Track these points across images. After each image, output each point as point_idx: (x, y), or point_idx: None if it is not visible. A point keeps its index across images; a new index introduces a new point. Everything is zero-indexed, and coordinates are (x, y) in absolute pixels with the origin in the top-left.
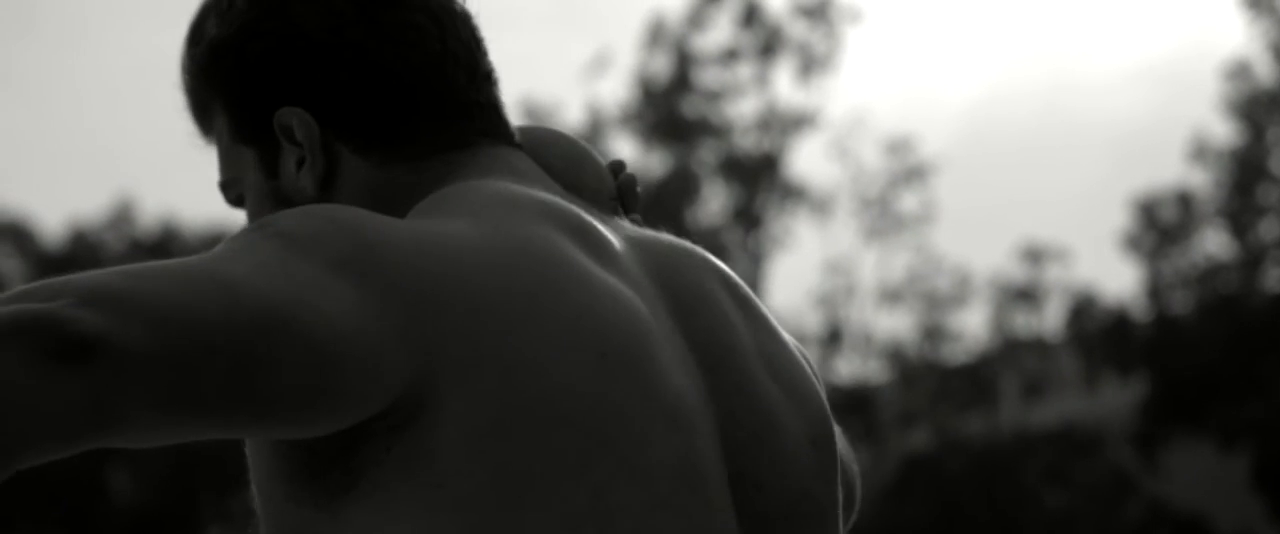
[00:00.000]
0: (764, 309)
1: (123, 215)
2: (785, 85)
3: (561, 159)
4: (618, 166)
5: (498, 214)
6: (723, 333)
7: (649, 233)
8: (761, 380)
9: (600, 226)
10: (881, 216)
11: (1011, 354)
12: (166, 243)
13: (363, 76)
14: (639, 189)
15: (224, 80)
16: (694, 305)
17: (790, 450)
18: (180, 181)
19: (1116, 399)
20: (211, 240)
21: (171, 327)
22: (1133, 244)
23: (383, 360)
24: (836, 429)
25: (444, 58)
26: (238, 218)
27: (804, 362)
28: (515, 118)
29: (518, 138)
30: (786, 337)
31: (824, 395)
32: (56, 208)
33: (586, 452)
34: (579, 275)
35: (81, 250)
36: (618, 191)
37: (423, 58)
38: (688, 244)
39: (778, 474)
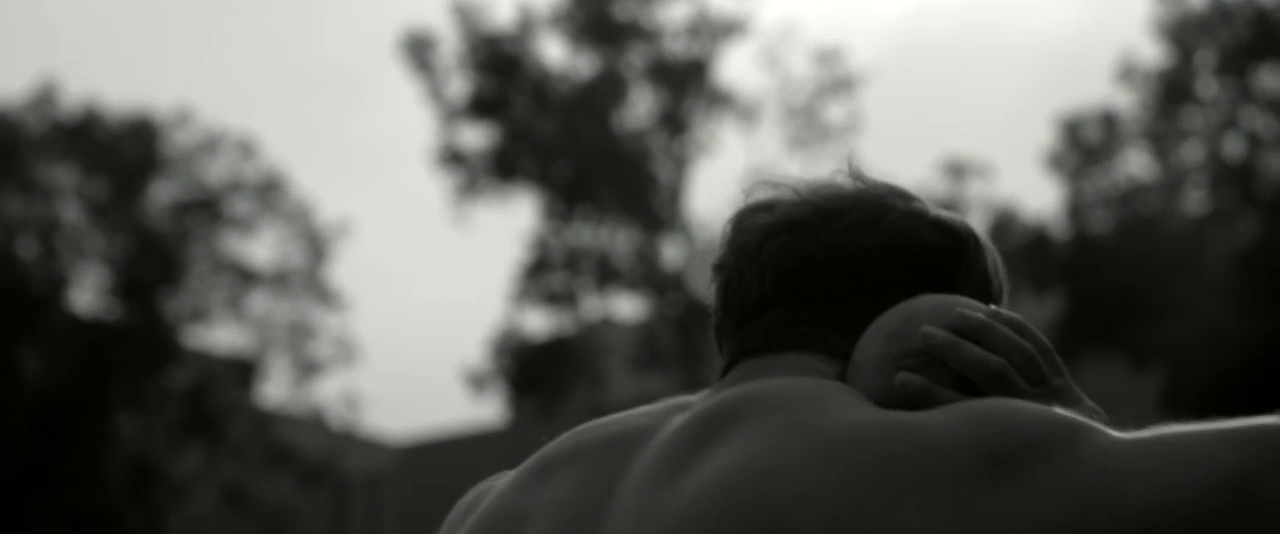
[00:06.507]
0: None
1: (45, 97)
2: None
3: (869, 334)
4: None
5: (538, 455)
6: (623, 500)
7: (710, 404)
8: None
9: (614, 438)
10: (807, 126)
11: None
12: (89, 126)
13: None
14: (946, 337)
15: None
16: (632, 475)
17: None
18: (104, 65)
19: (1032, 316)
20: (134, 125)
21: None
22: (1055, 163)
23: None
24: None
25: (726, 290)
26: (158, 111)
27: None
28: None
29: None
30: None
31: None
32: None
33: None
34: (488, 502)
35: (2, 131)
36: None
37: (719, 293)
38: (758, 391)
39: None
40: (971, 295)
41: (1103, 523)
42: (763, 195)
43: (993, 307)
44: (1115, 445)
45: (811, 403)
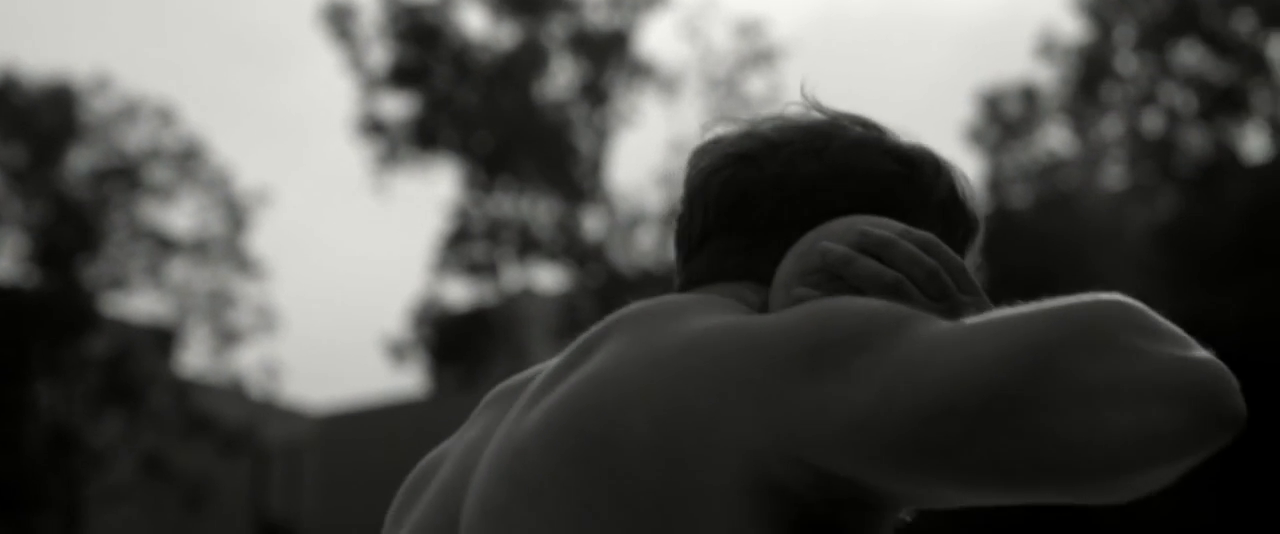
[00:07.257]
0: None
1: None
2: None
3: (786, 256)
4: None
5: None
6: (493, 449)
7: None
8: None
9: (516, 390)
10: (728, 98)
11: None
12: (6, 92)
13: None
14: (843, 254)
15: None
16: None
17: None
18: (22, 31)
19: None
20: (53, 92)
21: None
22: (975, 137)
23: None
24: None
25: (679, 225)
26: (77, 77)
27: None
28: None
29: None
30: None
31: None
32: None
33: None
34: (427, 459)
35: None
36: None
37: (675, 228)
38: (640, 311)
39: None
40: (929, 221)
41: (907, 404)
42: (719, 131)
43: (903, 226)
44: (937, 330)
45: (672, 315)
